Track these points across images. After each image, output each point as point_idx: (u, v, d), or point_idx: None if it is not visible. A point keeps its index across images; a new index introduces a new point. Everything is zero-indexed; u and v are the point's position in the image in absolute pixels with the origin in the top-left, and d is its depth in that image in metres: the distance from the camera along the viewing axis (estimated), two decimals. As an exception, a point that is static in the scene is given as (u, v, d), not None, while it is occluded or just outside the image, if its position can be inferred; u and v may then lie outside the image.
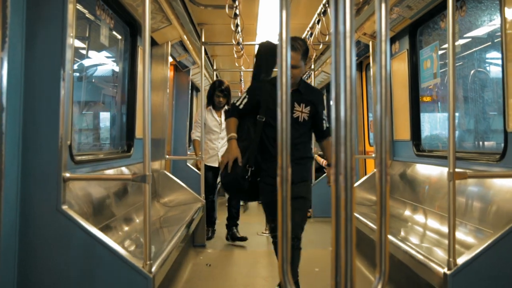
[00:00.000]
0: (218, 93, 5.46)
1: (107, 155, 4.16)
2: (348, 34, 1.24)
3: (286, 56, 1.31)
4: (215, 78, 7.44)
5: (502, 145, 2.92)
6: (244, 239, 5.45)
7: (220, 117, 5.57)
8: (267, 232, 6.02)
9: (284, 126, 1.32)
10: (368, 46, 5.24)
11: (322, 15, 4.22)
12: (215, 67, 7.42)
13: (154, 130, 5.11)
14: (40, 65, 2.24)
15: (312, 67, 7.17)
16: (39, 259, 2.21)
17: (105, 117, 4.77)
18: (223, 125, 5.11)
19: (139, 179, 2.22)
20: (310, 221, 7.00)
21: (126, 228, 3.39)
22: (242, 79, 9.07)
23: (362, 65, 6.95)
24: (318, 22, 4.42)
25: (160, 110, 5.24)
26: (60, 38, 2.23)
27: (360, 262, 4.29)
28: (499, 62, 3.33)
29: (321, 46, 5.25)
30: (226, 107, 5.47)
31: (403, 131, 4.90)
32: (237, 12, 4.01)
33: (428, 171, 4.21)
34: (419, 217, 4.10)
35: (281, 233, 1.35)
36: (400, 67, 4.99)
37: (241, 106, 3.32)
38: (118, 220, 3.37)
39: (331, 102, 1.21)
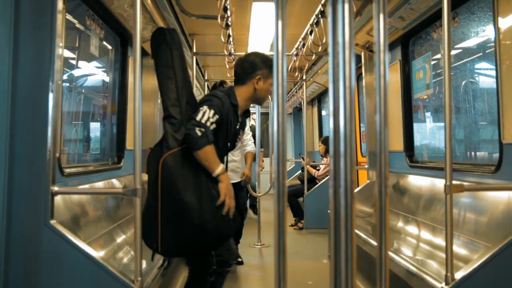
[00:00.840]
0: None
1: (96, 167, 4.09)
2: (347, 45, 1.20)
3: (282, 67, 1.28)
4: (206, 89, 7.40)
5: (497, 156, 2.90)
6: (239, 263, 4.96)
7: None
8: (259, 244, 5.97)
9: (281, 140, 1.28)
10: (360, 56, 5.24)
11: (315, 25, 4.20)
12: (206, 78, 7.38)
13: (145, 141, 5.02)
14: (28, 75, 2.18)
15: (304, 77, 7.15)
16: (26, 276, 2.14)
17: (94, 128, 4.70)
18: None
19: (130, 192, 2.16)
20: (302, 232, 6.98)
21: (116, 242, 3.31)
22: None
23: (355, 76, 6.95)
24: (310, 33, 4.40)
25: (151, 121, 5.17)
26: (49, 48, 2.17)
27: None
28: (492, 73, 3.32)
29: (313, 57, 5.22)
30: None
31: (395, 142, 4.87)
32: (229, 22, 3.97)
33: (421, 183, 4.17)
34: (412, 229, 4.06)
35: (278, 249, 1.30)
36: (393, 78, 4.97)
37: (212, 127, 2.57)
38: (108, 233, 3.30)
39: (330, 113, 1.17)
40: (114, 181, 3.87)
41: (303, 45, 4.86)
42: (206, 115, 2.54)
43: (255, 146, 6.20)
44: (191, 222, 2.43)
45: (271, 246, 6.00)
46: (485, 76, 3.69)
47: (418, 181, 4.25)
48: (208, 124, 2.52)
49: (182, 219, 2.44)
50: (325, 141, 7.79)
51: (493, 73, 2.96)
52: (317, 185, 7.14)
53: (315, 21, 4.13)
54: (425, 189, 4.08)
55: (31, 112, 2.18)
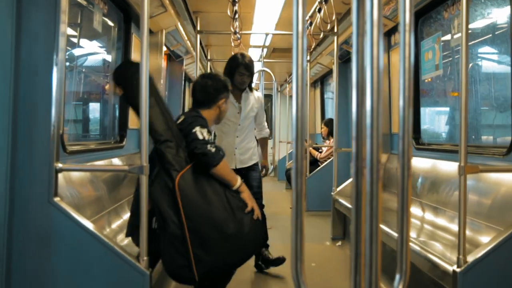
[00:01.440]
0: (242, 70, 3.95)
1: (98, 145, 4.03)
2: (375, 22, 1.15)
3: (302, 49, 1.21)
4: (209, 69, 7.31)
5: (510, 138, 2.84)
6: (280, 261, 4.08)
7: (240, 102, 4.08)
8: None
9: (300, 121, 1.22)
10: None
11: (324, 2, 4.10)
12: (209, 57, 7.28)
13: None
14: (31, 50, 2.12)
15: (308, 58, 7.05)
16: (29, 254, 2.10)
17: (96, 107, 4.63)
18: (243, 114, 4.03)
19: (136, 170, 2.11)
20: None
21: (118, 222, 3.27)
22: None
23: (350, 59, 6.85)
24: (319, 11, 4.31)
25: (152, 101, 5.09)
26: (53, 21, 2.10)
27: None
28: (503, 54, 3.25)
29: (321, 35, 5.11)
30: (248, 90, 4.12)
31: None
32: (235, -1, 3.88)
33: (428, 165, 4.12)
34: (418, 211, 4.02)
35: (295, 229, 1.26)
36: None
37: None
38: (110, 213, 3.25)
39: (354, 94, 1.12)
40: (116, 160, 3.82)
41: (310, 23, 4.76)
42: (205, 133, 2.61)
43: None
44: (228, 234, 2.42)
45: (273, 228, 5.98)
46: (498, 56, 3.60)
47: (425, 164, 4.19)
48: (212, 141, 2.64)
49: (217, 236, 2.40)
50: (327, 123, 7.72)
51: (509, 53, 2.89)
52: (319, 167, 7.09)
53: (323, -2, 4.04)
54: (431, 171, 4.03)
55: (35, 87, 2.12)
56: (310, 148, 7.46)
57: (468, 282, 2.15)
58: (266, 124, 4.44)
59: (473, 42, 3.69)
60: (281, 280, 3.89)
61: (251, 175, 4.07)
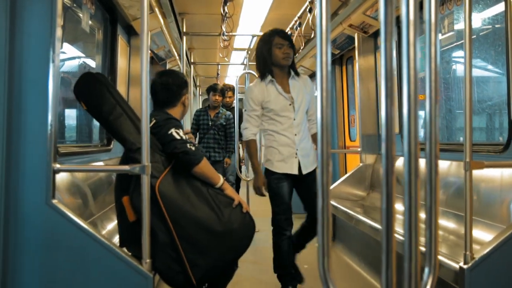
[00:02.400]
0: (279, 41, 3.25)
1: (85, 148, 3.95)
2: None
3: (326, 48, 1.18)
4: (192, 72, 7.24)
5: (506, 135, 2.86)
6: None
7: (289, 91, 3.29)
8: None
9: (325, 123, 1.20)
10: (352, 38, 5.15)
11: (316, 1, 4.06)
12: (192, 60, 7.21)
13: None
14: (26, 46, 2.03)
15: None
16: (27, 257, 2.00)
17: (82, 110, 4.53)
18: (296, 105, 3.27)
19: (138, 170, 2.04)
20: (290, 217, 6.88)
21: (112, 225, 3.19)
22: (219, 73, 8.87)
23: (343, 59, 6.87)
24: (310, 11, 4.29)
25: (139, 106, 4.95)
26: (50, 14, 2.02)
27: (359, 265, 4.17)
28: (496, 52, 3.28)
29: (312, 36, 5.07)
30: (294, 75, 3.37)
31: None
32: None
33: (421, 164, 4.13)
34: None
35: (321, 225, 1.22)
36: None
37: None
38: (105, 215, 3.17)
39: (382, 98, 1.10)
40: (101, 163, 3.73)
41: (299, 24, 4.74)
42: (181, 133, 2.51)
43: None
44: (217, 233, 2.37)
45: (261, 231, 5.92)
46: (489, 56, 3.64)
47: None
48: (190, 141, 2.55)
49: (207, 237, 2.36)
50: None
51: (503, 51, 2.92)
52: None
53: (315, -3, 4.01)
54: (422, 170, 4.04)
55: (30, 84, 2.04)
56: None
57: (476, 279, 2.13)
58: None
59: (446, 47, 3.73)
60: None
61: (312, 185, 3.34)
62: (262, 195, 3.38)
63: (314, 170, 3.33)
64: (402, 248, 1.10)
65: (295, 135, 3.24)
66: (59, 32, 2.04)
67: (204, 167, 2.49)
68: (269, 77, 3.27)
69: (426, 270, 1.22)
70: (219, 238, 2.37)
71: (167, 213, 2.28)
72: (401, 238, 1.10)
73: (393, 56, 1.12)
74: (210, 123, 6.01)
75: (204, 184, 2.48)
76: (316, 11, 1.20)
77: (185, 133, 2.55)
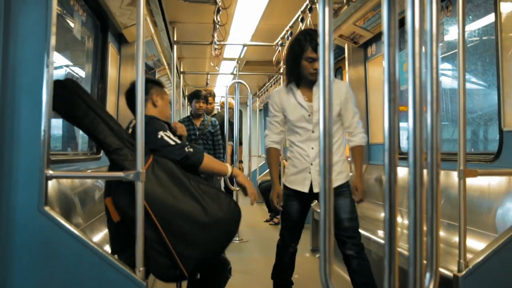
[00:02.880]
0: (311, 54, 2.95)
1: (74, 156, 3.91)
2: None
3: (329, 58, 1.19)
4: (181, 82, 7.23)
5: (497, 144, 2.89)
6: None
7: (311, 100, 3.06)
8: (237, 240, 5.89)
9: (327, 139, 1.21)
10: (342, 48, 5.18)
11: (308, 11, 4.10)
12: (182, 69, 7.20)
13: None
14: (20, 49, 2.00)
15: (281, 70, 7.06)
16: (18, 266, 1.95)
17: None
18: (316, 116, 3.00)
19: (132, 176, 2.02)
20: (278, 227, 6.87)
21: (100, 235, 3.14)
22: (208, 83, 8.86)
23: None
24: (302, 20, 4.30)
25: (129, 115, 4.88)
26: (44, 19, 1.99)
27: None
28: (488, 62, 3.32)
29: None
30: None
31: (379, 135, 4.85)
32: (220, 7, 3.83)
33: (406, 174, 4.15)
34: (399, 219, 4.06)
35: (323, 231, 1.22)
36: (376, 70, 4.96)
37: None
38: (95, 223, 3.13)
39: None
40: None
41: (291, 34, 4.76)
42: (172, 136, 2.50)
43: (234, 140, 6.12)
44: (203, 223, 2.32)
45: (250, 241, 5.91)
46: (482, 65, 3.69)
47: (402, 173, 4.23)
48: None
49: (193, 228, 2.31)
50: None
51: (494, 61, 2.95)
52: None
53: (308, 7, 4.04)
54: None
55: (24, 89, 2.00)
56: (284, 161, 7.43)
57: (470, 287, 2.14)
58: (361, 124, 3.16)
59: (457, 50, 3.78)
60: None
61: (338, 203, 3.01)
62: (276, 209, 3.27)
63: (340, 187, 3.03)
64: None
65: (312, 148, 3.00)
66: (53, 37, 2.02)
67: (209, 163, 2.51)
68: (291, 85, 3.07)
69: (428, 275, 1.23)
70: (206, 228, 2.32)
71: (151, 209, 2.24)
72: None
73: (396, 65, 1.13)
74: (197, 133, 5.56)
75: (185, 175, 2.41)
76: (319, 19, 1.21)
77: (174, 126, 2.59)
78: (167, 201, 2.30)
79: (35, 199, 1.97)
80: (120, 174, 2.08)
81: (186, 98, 11.20)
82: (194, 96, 5.55)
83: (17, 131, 1.99)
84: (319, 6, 1.20)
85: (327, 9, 1.20)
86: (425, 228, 1.22)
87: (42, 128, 1.98)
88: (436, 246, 1.23)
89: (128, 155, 2.32)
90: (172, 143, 2.48)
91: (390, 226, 1.12)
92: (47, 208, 1.98)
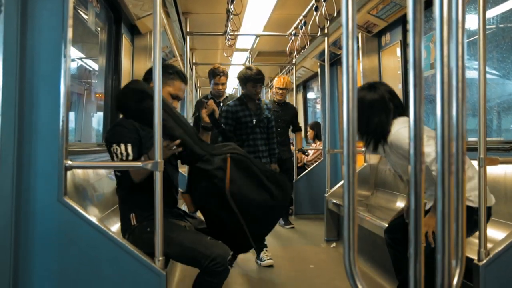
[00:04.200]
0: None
1: (90, 147, 3.93)
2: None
3: (352, 47, 1.17)
4: (194, 73, 7.22)
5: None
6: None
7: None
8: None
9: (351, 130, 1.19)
10: (356, 38, 5.13)
11: (323, 0, 4.05)
12: (194, 61, 7.19)
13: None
14: (38, 40, 2.00)
15: (294, 61, 7.02)
16: (38, 256, 1.97)
17: (84, 109, 4.52)
18: None
19: (151, 166, 2.02)
20: (292, 218, 6.89)
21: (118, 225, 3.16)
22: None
23: (338, 61, 6.86)
24: (316, 9, 4.26)
25: None
26: (61, 9, 1.99)
27: (364, 264, 4.14)
28: (506, 49, 3.28)
29: (319, 34, 5.03)
30: None
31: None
32: (234, -4, 3.80)
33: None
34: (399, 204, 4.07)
35: (347, 219, 1.21)
36: (391, 59, 4.91)
37: None
38: (110, 215, 3.15)
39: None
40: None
41: (305, 23, 4.72)
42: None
43: None
44: (271, 206, 2.62)
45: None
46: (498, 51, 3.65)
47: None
48: None
49: (264, 212, 2.62)
50: (313, 126, 7.72)
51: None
52: (307, 170, 7.05)
53: (322, -5, 3.99)
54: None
55: (42, 80, 2.01)
56: (297, 152, 7.41)
57: (490, 276, 2.12)
58: None
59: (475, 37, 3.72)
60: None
61: None
62: None
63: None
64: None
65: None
66: (70, 28, 2.02)
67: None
68: None
69: (454, 262, 1.21)
70: (272, 210, 2.66)
71: (238, 206, 2.51)
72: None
73: (422, 55, 1.11)
74: (254, 120, 4.25)
75: (257, 168, 2.62)
76: (342, 7, 1.19)
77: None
78: (248, 197, 2.54)
79: (55, 189, 1.98)
80: (138, 164, 2.08)
81: (198, 89, 11.21)
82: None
83: (36, 122, 2.00)
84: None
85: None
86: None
87: (61, 118, 1.99)
88: (462, 234, 1.21)
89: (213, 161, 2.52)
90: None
91: (416, 215, 1.11)
92: (66, 198, 1.99)
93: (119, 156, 2.37)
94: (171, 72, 2.71)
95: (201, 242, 2.42)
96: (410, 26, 1.12)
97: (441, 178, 1.05)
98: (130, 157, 2.36)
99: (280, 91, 6.03)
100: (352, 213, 1.20)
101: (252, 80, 4.12)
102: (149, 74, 2.69)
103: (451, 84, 1.08)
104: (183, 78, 2.75)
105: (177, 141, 2.35)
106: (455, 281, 1.17)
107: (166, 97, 2.60)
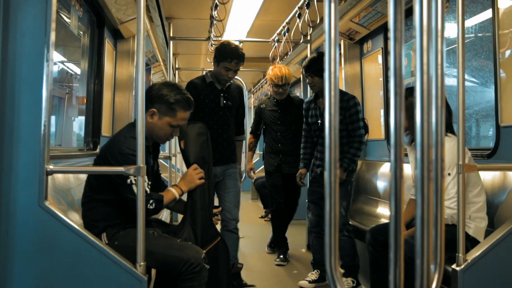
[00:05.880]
0: None
1: (71, 152, 3.91)
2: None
3: (335, 54, 1.19)
4: (177, 78, 7.22)
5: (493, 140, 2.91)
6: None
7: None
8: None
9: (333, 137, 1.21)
10: (338, 45, 5.18)
11: (306, 7, 4.09)
12: (177, 66, 7.18)
13: (119, 128, 4.79)
14: (20, 44, 1.99)
15: (277, 67, 7.04)
16: (18, 261, 1.95)
17: (69, 114, 4.49)
18: None
19: (133, 171, 2.02)
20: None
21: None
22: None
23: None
24: (299, 16, 4.30)
25: (125, 112, 4.84)
26: (44, 13, 1.99)
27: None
28: (484, 58, 3.34)
29: (301, 40, 5.07)
30: None
31: (375, 131, 4.86)
32: (217, 1, 3.82)
33: (405, 169, 4.18)
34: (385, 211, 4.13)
35: (329, 224, 1.22)
36: (372, 67, 4.97)
37: None
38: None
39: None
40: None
41: (288, 29, 4.75)
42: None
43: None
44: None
45: (246, 237, 5.92)
46: (477, 60, 3.72)
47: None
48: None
49: None
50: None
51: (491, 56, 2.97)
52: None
53: (306, 2, 4.03)
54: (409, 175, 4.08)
55: (24, 85, 1.99)
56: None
57: (469, 281, 2.15)
58: None
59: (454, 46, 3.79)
60: None
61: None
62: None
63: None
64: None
65: None
66: (53, 32, 2.01)
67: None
68: None
69: (432, 267, 1.24)
70: None
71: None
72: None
73: (403, 62, 1.13)
74: (319, 121, 3.84)
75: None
76: (325, 14, 1.21)
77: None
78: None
79: (36, 194, 1.97)
80: (120, 169, 2.08)
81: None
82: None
83: (17, 126, 1.99)
84: (325, 2, 1.20)
85: (332, 5, 1.20)
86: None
87: (42, 123, 1.98)
88: (440, 239, 1.24)
89: None
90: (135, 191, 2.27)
91: (396, 221, 1.13)
92: (47, 203, 1.98)
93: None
94: (173, 101, 2.48)
95: (172, 246, 2.39)
96: (391, 35, 1.14)
97: (421, 185, 1.07)
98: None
99: (278, 90, 4.47)
100: (333, 219, 1.22)
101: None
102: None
103: (430, 91, 1.10)
104: (187, 106, 2.54)
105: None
106: (433, 285, 1.20)
107: (164, 128, 2.52)
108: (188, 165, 2.77)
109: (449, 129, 2.70)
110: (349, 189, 3.66)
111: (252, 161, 4.94)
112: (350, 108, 3.61)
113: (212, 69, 3.71)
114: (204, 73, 3.84)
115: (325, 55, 1.21)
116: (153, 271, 2.66)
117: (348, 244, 3.63)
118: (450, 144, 2.54)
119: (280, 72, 4.44)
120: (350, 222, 3.77)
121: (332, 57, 1.21)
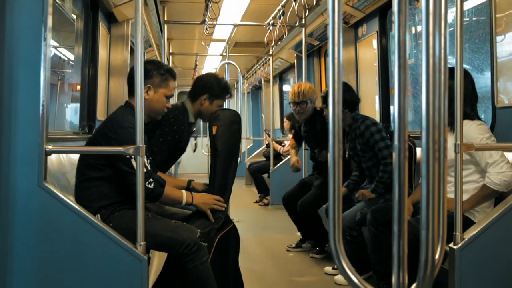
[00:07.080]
0: None
1: (67, 135, 3.90)
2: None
3: (339, 38, 1.19)
4: (171, 63, 7.18)
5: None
6: None
7: None
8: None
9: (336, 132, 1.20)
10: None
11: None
12: (171, 51, 7.14)
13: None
14: (17, 21, 1.97)
15: (271, 52, 7.03)
16: (18, 241, 1.95)
17: (64, 97, 4.47)
18: None
19: (132, 151, 2.01)
20: (268, 208, 6.96)
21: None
22: (197, 64, 8.79)
23: (321, 51, 6.91)
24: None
25: (120, 96, 4.80)
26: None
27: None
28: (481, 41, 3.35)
29: (297, 23, 5.04)
30: None
31: (370, 114, 4.87)
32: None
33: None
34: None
35: (332, 198, 1.23)
36: (367, 51, 4.97)
37: None
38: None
39: (396, 91, 1.10)
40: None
41: (283, 13, 4.73)
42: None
43: None
44: None
45: (240, 222, 5.94)
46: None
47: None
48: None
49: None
50: (290, 117, 7.76)
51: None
52: (283, 161, 7.09)
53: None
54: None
55: (22, 63, 1.98)
56: (273, 142, 7.46)
57: (465, 259, 2.18)
58: None
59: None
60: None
61: None
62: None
63: None
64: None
65: None
66: (50, 10, 1.99)
67: (166, 195, 2.47)
68: None
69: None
70: None
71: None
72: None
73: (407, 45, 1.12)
74: (346, 153, 3.83)
75: None
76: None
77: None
78: None
79: (35, 174, 1.96)
80: (120, 149, 2.07)
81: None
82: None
83: (15, 106, 1.97)
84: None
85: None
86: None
87: (41, 103, 1.97)
88: (443, 213, 1.25)
89: None
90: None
91: (400, 194, 1.13)
92: (46, 183, 1.97)
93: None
94: (163, 72, 2.60)
95: (167, 227, 2.38)
96: (395, 18, 1.14)
97: (426, 160, 1.07)
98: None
99: (295, 108, 4.02)
100: (337, 191, 1.22)
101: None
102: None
103: (435, 74, 1.10)
104: (174, 76, 2.70)
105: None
106: (437, 256, 1.21)
107: (161, 100, 2.58)
108: (214, 152, 2.72)
109: (475, 114, 2.68)
110: (380, 201, 3.33)
111: (296, 155, 4.79)
112: (363, 134, 3.44)
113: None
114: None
115: (328, 39, 1.20)
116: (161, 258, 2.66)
117: (350, 247, 3.30)
118: (480, 127, 2.58)
119: (298, 87, 4.00)
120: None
121: (335, 42, 1.20)
